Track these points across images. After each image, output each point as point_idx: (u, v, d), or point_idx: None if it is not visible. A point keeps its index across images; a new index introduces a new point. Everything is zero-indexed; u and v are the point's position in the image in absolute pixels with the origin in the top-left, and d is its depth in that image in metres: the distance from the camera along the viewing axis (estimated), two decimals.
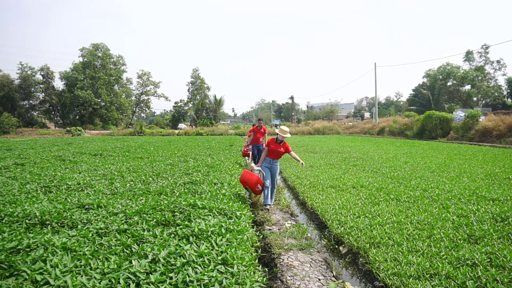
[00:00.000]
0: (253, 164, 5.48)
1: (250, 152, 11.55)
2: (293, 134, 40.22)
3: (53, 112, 55.58)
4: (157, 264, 2.82)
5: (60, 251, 3.03)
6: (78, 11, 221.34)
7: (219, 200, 5.06)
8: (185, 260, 2.86)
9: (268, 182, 5.94)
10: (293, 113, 78.06)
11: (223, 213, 4.53)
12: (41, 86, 52.74)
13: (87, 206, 4.72)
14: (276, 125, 58.68)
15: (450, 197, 5.84)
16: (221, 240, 3.44)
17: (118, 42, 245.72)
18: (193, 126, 52.21)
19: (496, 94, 46.44)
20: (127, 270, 2.69)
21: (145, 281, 2.55)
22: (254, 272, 2.97)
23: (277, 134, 6.02)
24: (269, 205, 5.98)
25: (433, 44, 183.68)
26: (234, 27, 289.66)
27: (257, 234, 4.29)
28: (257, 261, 3.39)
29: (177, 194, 5.54)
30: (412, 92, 56.14)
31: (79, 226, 3.86)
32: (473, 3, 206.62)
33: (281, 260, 3.79)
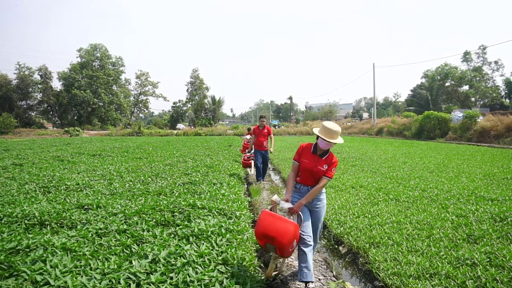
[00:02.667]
0: (275, 197, 3.27)
1: (252, 162, 9.08)
2: (292, 134, 40.23)
3: (51, 113, 55.38)
4: (158, 264, 2.81)
5: (60, 251, 3.02)
6: (78, 11, 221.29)
7: (218, 200, 5.06)
8: (185, 260, 2.86)
9: (308, 231, 3.11)
10: (291, 114, 78.10)
11: (222, 213, 4.53)
12: (39, 86, 52.55)
13: (86, 207, 4.70)
14: (275, 126, 58.49)
15: (449, 197, 5.85)
16: (221, 240, 3.45)
17: (118, 42, 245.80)
18: (192, 127, 52.16)
19: (494, 94, 46.60)
20: (127, 270, 2.68)
21: (146, 281, 2.55)
22: (254, 272, 2.97)
23: (318, 137, 3.22)
24: (309, 282, 3.02)
25: (432, 44, 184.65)
26: (233, 27, 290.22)
27: None
28: (257, 261, 3.39)
29: (176, 194, 5.54)
30: (411, 93, 56.30)
31: (78, 227, 3.85)
32: (471, 3, 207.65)
33: (281, 260, 3.78)
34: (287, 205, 3.11)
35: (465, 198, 5.73)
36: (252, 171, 9.25)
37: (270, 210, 3.24)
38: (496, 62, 47.60)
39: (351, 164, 10.55)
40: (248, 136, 10.70)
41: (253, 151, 8.72)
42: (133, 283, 2.53)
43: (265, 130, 8.27)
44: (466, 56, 48.62)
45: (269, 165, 11.43)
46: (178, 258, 2.91)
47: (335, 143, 3.16)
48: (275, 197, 3.24)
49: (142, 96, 62.83)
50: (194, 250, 3.10)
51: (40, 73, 52.35)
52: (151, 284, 2.53)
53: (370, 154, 13.47)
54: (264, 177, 8.67)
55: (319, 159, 3.24)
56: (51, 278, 2.52)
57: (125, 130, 43.51)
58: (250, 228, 4.11)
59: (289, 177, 3.37)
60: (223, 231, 3.68)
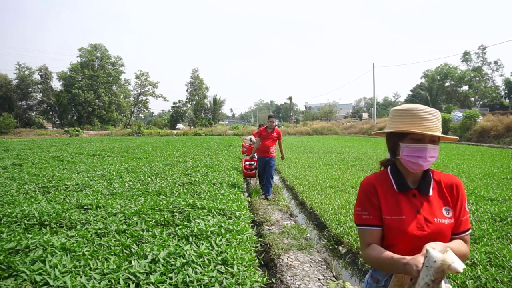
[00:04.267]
0: (439, 255, 1.09)
1: (256, 171, 7.52)
2: (291, 134, 40.26)
3: (51, 113, 55.41)
4: (157, 264, 2.81)
5: (59, 251, 3.01)
6: (77, 12, 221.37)
7: (218, 200, 5.05)
8: (185, 260, 2.86)
9: None
10: (291, 114, 78.11)
11: (222, 213, 4.52)
12: (39, 86, 52.59)
13: (86, 207, 4.69)
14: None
15: None
16: (221, 240, 3.44)
17: (117, 42, 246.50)
18: (192, 127, 52.16)
19: (494, 94, 46.68)
20: (126, 271, 2.68)
21: (145, 281, 2.54)
22: (254, 272, 2.96)
23: (391, 146, 1.38)
24: None
25: (432, 44, 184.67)
26: (233, 29, 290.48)
27: (256, 234, 4.28)
28: (256, 261, 3.38)
29: (176, 195, 5.53)
30: (410, 93, 56.43)
31: (78, 227, 3.85)
32: (471, 3, 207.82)
33: (280, 260, 3.78)
34: (460, 264, 1.16)
35: None
36: (256, 182, 7.84)
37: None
38: (495, 62, 47.71)
39: (351, 164, 10.55)
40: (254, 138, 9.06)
41: (256, 157, 7.32)
42: (133, 283, 2.52)
43: (275, 134, 6.82)
44: (466, 56, 48.68)
45: None
46: (178, 258, 2.90)
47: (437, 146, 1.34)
48: (439, 256, 1.15)
49: (142, 96, 62.88)
50: (194, 250, 3.09)
51: (40, 73, 52.41)
52: (151, 284, 2.52)
53: (370, 154, 13.47)
54: (270, 191, 6.94)
55: (423, 201, 1.37)
56: (50, 278, 2.52)
57: (125, 130, 43.51)
58: (250, 228, 4.10)
59: (379, 254, 1.32)
60: (223, 231, 3.67)
